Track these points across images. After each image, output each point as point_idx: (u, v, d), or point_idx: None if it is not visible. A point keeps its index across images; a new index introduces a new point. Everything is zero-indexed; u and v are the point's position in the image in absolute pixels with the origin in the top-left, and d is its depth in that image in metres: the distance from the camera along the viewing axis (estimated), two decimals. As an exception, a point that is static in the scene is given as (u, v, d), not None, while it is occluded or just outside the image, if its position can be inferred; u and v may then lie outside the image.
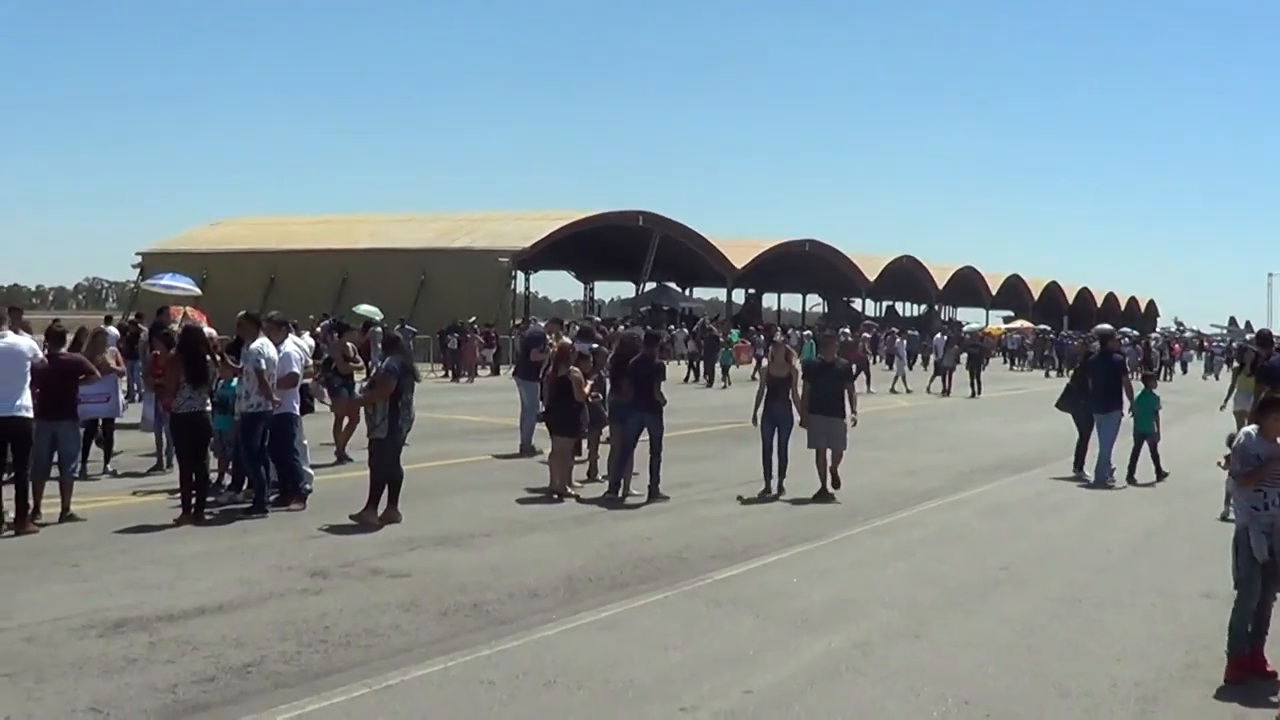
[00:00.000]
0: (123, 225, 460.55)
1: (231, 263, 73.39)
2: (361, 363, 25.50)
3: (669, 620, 12.20)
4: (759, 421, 20.54)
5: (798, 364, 21.74)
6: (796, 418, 20.38)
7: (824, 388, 20.29)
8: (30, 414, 15.88)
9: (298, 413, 18.44)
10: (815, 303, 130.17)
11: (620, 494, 19.82)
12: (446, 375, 53.21)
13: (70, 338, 18.52)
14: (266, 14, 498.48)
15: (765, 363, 22.18)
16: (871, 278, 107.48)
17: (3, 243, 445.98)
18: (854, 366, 23.49)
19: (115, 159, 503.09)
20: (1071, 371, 31.96)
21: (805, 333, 68.43)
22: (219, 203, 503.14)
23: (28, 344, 16.23)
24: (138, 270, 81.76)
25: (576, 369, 20.60)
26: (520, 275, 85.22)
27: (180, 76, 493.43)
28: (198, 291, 37.95)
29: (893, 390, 50.87)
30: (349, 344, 24.20)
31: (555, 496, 19.72)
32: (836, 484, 20.29)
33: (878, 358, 68.88)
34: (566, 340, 22.47)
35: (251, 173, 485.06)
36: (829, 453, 20.27)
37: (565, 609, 12.51)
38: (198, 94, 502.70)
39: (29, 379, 15.90)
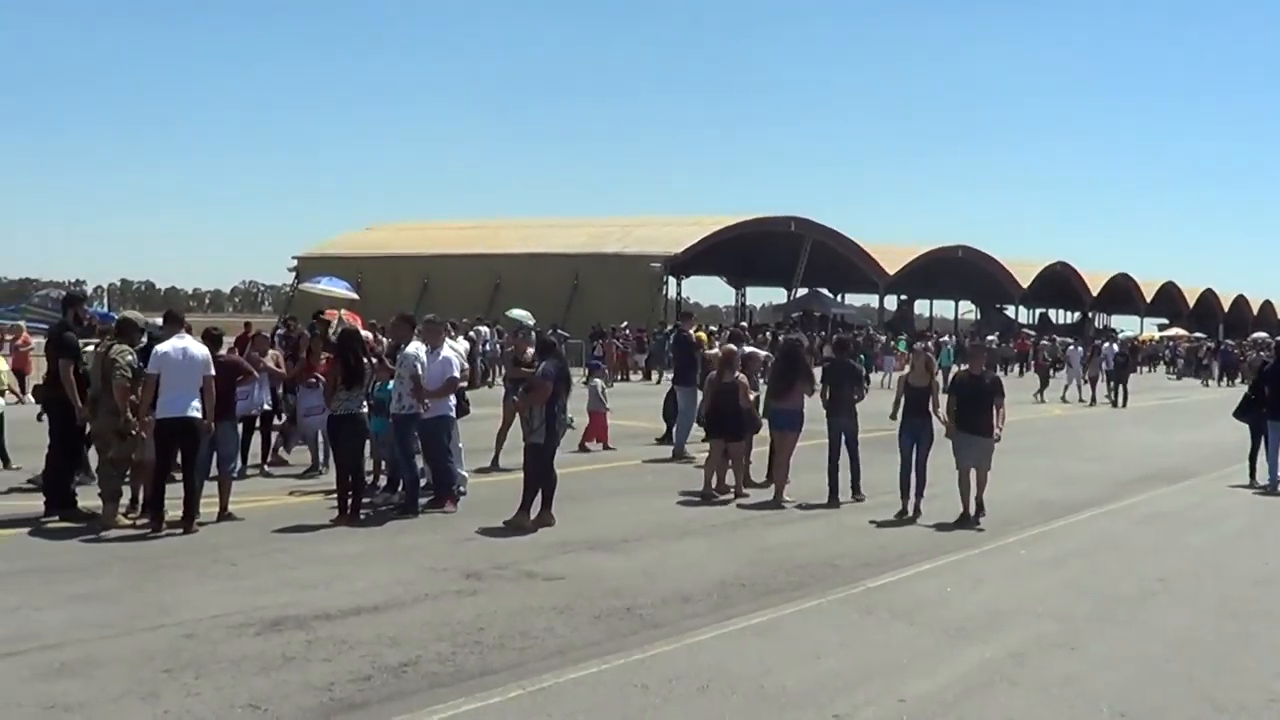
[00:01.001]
0: (278, 230, 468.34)
1: (385, 267, 74.22)
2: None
3: (822, 627, 12.18)
4: (898, 435, 19.40)
5: (939, 375, 21.24)
6: (938, 432, 19.31)
7: (971, 403, 18.78)
8: (200, 415, 16.14)
9: (453, 415, 18.59)
10: (967, 309, 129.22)
11: (778, 499, 19.81)
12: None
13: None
14: (419, 23, 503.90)
15: (905, 370, 20.51)
16: (1024, 284, 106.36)
17: (162, 247, 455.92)
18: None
19: (271, 165, 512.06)
20: (1247, 381, 31.48)
21: (943, 338, 67.52)
22: (373, 208, 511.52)
23: (203, 353, 16.47)
24: (293, 274, 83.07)
25: (742, 374, 20.67)
26: (672, 280, 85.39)
27: (335, 85, 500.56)
28: (355, 296, 38.35)
29: (1064, 399, 50.42)
30: (529, 349, 24.22)
31: (715, 500, 19.88)
32: (981, 510, 18.63)
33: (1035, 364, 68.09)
34: (731, 346, 22.52)
35: (405, 179, 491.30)
36: (973, 474, 18.65)
37: (718, 614, 12.51)
38: (351, 101, 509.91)
39: (200, 384, 16.18)
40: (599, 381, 27.95)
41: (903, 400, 19.39)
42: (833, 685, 10.20)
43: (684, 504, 19.63)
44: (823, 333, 73.18)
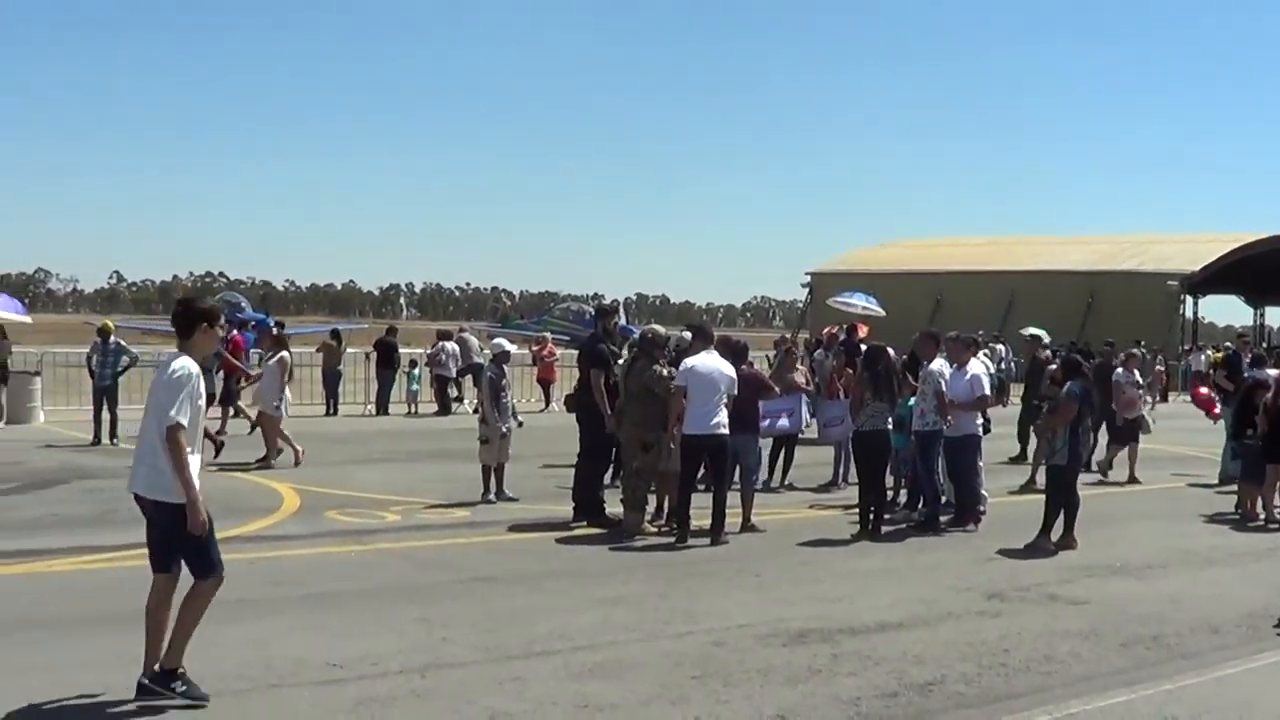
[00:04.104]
0: (790, 246, 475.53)
1: (897, 283, 74.03)
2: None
3: (1359, 665, 11.67)
4: None
5: None
6: None
7: None
8: (726, 432, 16.46)
9: (981, 433, 18.54)
10: None
11: None
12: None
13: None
14: (947, 45, 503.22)
15: None
16: None
17: (676, 261, 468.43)
18: None
19: (788, 182, 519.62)
20: None
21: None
22: (886, 225, 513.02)
23: (729, 371, 16.70)
24: (806, 289, 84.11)
25: None
26: (1188, 299, 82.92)
27: (854, 101, 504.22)
28: (881, 312, 38.63)
29: None
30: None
31: (1270, 526, 19.33)
32: None
33: None
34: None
35: (918, 195, 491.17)
36: None
37: (1248, 647, 12.10)
38: (865, 117, 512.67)
39: (725, 400, 16.47)
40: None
41: None
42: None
43: (1207, 530, 19.09)
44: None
